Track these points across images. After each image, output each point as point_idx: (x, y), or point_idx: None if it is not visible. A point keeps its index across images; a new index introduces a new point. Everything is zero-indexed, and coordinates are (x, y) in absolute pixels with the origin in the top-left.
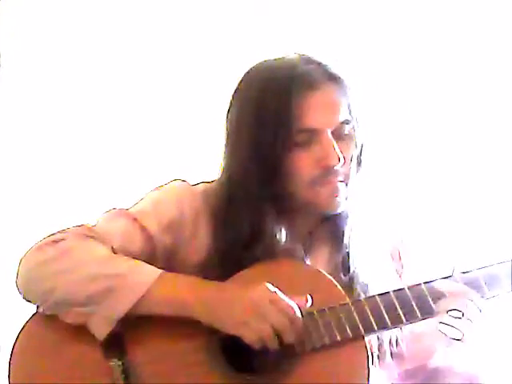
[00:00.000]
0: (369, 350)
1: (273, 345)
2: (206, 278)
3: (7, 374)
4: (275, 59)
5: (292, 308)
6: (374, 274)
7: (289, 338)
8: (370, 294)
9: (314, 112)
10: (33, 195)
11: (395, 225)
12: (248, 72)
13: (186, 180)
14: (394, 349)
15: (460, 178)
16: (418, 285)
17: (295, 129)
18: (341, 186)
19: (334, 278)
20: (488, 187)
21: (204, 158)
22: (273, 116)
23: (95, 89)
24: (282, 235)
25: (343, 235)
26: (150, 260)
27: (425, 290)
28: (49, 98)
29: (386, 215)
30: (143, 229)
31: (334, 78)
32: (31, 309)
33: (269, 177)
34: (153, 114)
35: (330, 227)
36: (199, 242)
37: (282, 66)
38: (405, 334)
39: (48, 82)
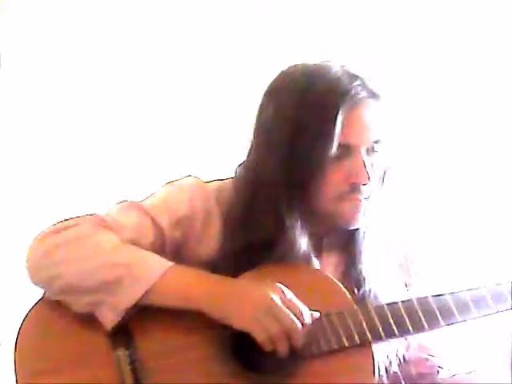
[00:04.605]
0: (375, 358)
1: (283, 347)
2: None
3: (13, 358)
4: (314, 65)
5: (302, 309)
6: (384, 285)
7: (298, 341)
8: (379, 302)
9: (353, 128)
10: (34, 194)
11: (404, 236)
12: (285, 74)
13: (199, 177)
14: (401, 358)
15: (467, 187)
16: (425, 297)
17: (333, 143)
18: (363, 203)
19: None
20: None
21: (204, 156)
22: (314, 128)
23: (95, 88)
24: (301, 241)
25: (354, 244)
26: (159, 254)
27: (432, 303)
28: (49, 97)
29: (395, 226)
30: (155, 223)
31: (374, 96)
32: (31, 304)
33: (298, 185)
34: (152, 113)
35: (340, 235)
36: (209, 240)
37: (325, 76)
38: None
39: (48, 81)
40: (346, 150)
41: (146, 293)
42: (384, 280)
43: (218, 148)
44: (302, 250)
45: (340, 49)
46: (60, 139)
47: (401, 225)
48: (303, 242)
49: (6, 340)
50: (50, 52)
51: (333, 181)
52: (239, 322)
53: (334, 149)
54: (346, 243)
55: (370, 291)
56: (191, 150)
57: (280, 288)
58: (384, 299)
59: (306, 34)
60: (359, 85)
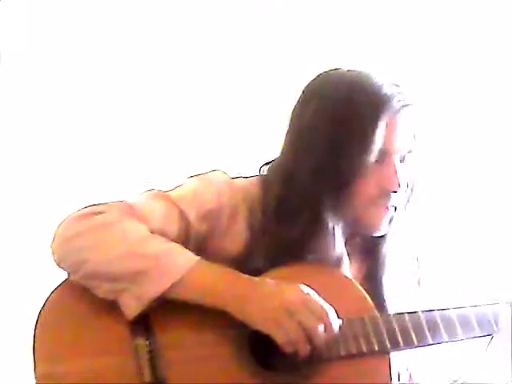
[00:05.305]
0: (392, 365)
1: (304, 349)
2: (242, 270)
3: (32, 341)
4: (356, 72)
5: (326, 311)
6: (403, 293)
7: (319, 342)
8: (398, 310)
9: (391, 135)
10: (33, 195)
11: (421, 245)
12: (326, 79)
13: (226, 172)
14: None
15: (476, 196)
16: (446, 309)
17: (374, 149)
18: (390, 210)
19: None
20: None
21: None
22: (356, 133)
23: (95, 88)
24: (336, 241)
25: (377, 251)
26: (183, 245)
27: (453, 316)
28: (49, 97)
29: (414, 235)
30: (182, 215)
31: (411, 105)
32: (32, 307)
33: (336, 187)
34: (153, 113)
35: (363, 241)
36: (234, 236)
37: (368, 84)
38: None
39: (48, 82)
40: (381, 155)
41: (172, 286)
42: (403, 288)
43: (228, 146)
44: (336, 250)
45: (345, 52)
46: (60, 140)
47: (418, 234)
48: (338, 242)
49: (5, 342)
50: (49, 52)
51: (366, 185)
52: (261, 324)
53: (373, 154)
54: (369, 249)
55: (388, 299)
56: (204, 147)
57: (304, 289)
58: (404, 307)
59: (317, 34)
60: (399, 93)
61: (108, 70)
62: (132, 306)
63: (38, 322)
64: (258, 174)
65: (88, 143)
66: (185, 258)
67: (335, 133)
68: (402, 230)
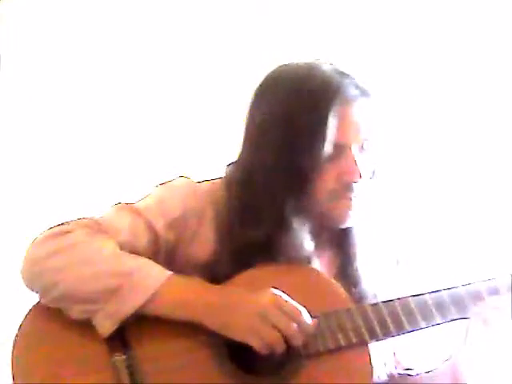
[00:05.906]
0: (371, 356)
1: (280, 349)
2: (212, 275)
3: (10, 365)
4: (304, 64)
5: (299, 311)
6: (380, 282)
7: (297, 341)
8: (375, 300)
9: (345, 128)
10: (33, 195)
11: (397, 232)
12: (276, 74)
13: (191, 177)
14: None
15: (462, 184)
16: (421, 294)
17: (327, 142)
18: (355, 201)
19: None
20: (492, 195)
21: (197, 156)
22: (307, 128)
23: (95, 89)
24: (303, 239)
25: (348, 243)
26: (153, 255)
27: (428, 299)
28: (49, 98)
29: (388, 222)
30: (149, 225)
31: (364, 94)
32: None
33: (294, 184)
34: (152, 114)
35: (334, 234)
36: (202, 241)
37: (316, 75)
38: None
39: (48, 83)
40: (338, 148)
41: (145, 303)
42: (380, 277)
43: (211, 148)
44: (304, 249)
45: (332, 46)
46: (59, 140)
47: (393, 221)
48: (306, 240)
49: (6, 340)
50: (49, 53)
51: (326, 179)
52: (236, 334)
53: (326, 148)
54: (340, 242)
55: (366, 289)
56: (185, 151)
57: (272, 292)
58: (380, 297)
59: (300, 33)
60: (349, 83)
61: (106, 71)
62: (106, 325)
63: (15, 345)
64: (222, 175)
65: (80, 145)
66: (155, 275)
67: (286, 128)
68: (372, 218)
